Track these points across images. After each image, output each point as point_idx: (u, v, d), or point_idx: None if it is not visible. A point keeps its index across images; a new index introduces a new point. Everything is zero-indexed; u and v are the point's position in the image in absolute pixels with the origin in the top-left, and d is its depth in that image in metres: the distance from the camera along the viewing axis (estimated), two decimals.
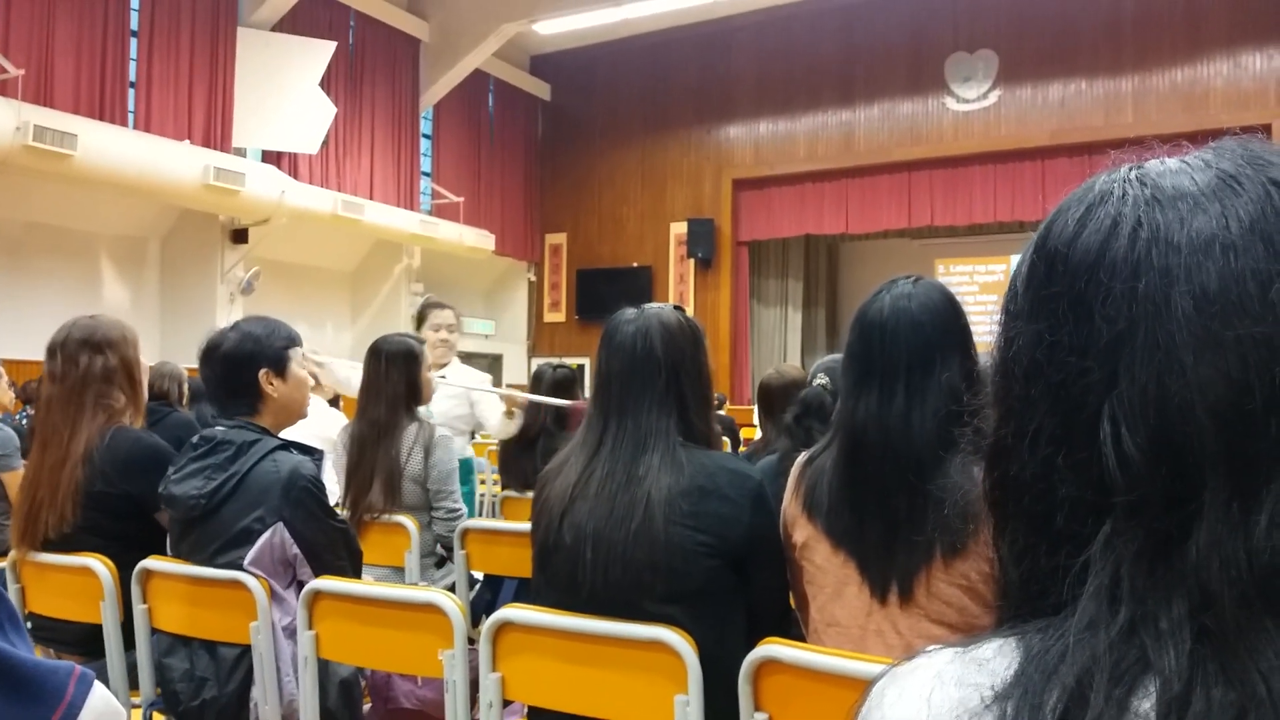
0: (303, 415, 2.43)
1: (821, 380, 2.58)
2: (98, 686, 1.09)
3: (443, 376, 4.01)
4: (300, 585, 2.17)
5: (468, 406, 4.17)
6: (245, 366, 2.26)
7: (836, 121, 13.04)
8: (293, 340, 2.37)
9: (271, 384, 2.29)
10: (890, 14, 12.62)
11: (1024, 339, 0.59)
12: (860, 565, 1.63)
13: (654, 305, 1.91)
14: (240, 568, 2.14)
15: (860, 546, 1.64)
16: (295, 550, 2.16)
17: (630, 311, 1.90)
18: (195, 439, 2.29)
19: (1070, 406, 0.56)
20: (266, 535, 2.14)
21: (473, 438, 4.52)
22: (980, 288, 14.00)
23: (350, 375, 3.81)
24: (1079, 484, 0.55)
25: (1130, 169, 0.60)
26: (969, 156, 12.25)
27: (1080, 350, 0.55)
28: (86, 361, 2.42)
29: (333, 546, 2.23)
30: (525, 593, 3.07)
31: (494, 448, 6.26)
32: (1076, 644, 0.52)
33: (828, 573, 1.68)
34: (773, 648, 1.56)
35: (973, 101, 12.26)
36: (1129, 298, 0.54)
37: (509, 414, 3.87)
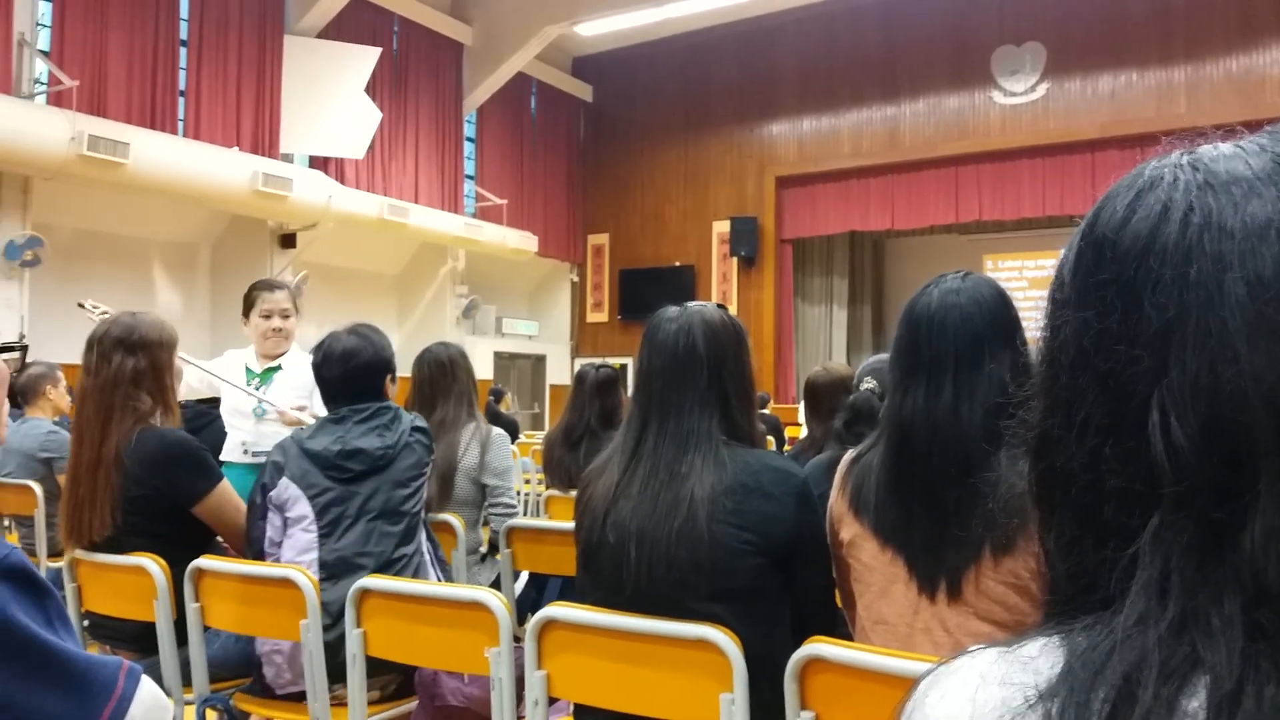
0: None
1: (869, 384, 2.56)
2: (146, 681, 1.11)
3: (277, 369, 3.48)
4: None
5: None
6: (380, 374, 2.61)
7: (881, 117, 12.93)
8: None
9: (389, 385, 2.65)
10: (934, 7, 12.50)
11: (1071, 327, 0.58)
12: (908, 562, 1.61)
13: (696, 303, 1.90)
14: (415, 495, 2.53)
15: (908, 543, 1.61)
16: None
17: (672, 310, 1.89)
18: (345, 409, 2.53)
19: (1119, 395, 0.54)
20: (426, 478, 2.61)
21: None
22: (1029, 283, 13.80)
23: (204, 380, 3.52)
24: (1127, 475, 0.53)
25: (1182, 154, 0.58)
26: (1017, 150, 12.09)
27: (1129, 338, 0.54)
28: (119, 361, 2.45)
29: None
30: (570, 591, 3.08)
31: (538, 447, 6.29)
32: (1124, 640, 0.50)
33: (875, 570, 1.67)
34: (819, 646, 1.54)
35: (1020, 95, 12.09)
36: (1180, 284, 0.53)
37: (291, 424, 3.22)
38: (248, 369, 3.47)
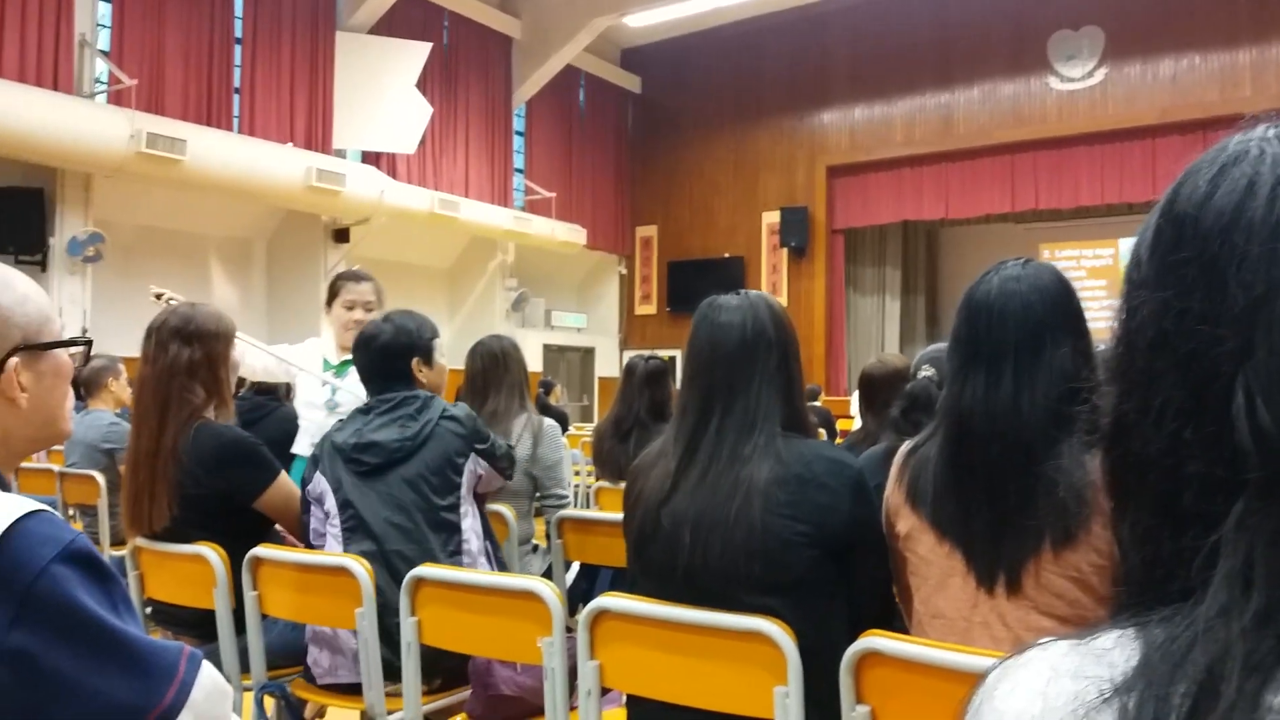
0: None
1: (927, 372, 2.51)
2: (207, 666, 1.12)
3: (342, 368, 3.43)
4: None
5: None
6: (401, 356, 2.53)
7: (934, 104, 12.76)
8: (436, 333, 2.66)
9: (421, 370, 2.56)
10: None
11: (1149, 308, 0.56)
12: (966, 555, 1.58)
13: (752, 291, 1.88)
14: (453, 490, 2.45)
15: (966, 535, 1.59)
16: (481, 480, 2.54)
17: (729, 296, 1.86)
18: (373, 400, 2.51)
19: (1200, 378, 0.52)
20: (470, 464, 2.48)
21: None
22: (1088, 272, 13.54)
23: (269, 363, 3.50)
24: (1209, 460, 0.51)
25: (1269, 128, 0.56)
26: (1074, 137, 11.86)
27: (1212, 318, 0.52)
28: (175, 351, 2.46)
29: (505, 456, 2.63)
30: (621, 582, 3.08)
31: (587, 439, 6.31)
32: (1206, 632, 0.48)
33: (932, 564, 1.64)
34: (875, 640, 1.52)
35: (1078, 80, 11.85)
36: (1267, 261, 0.50)
37: None
38: (325, 360, 3.48)
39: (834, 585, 1.72)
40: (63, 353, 1.24)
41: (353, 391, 3.25)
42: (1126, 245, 13.71)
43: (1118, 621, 0.54)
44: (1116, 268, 13.42)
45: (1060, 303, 1.59)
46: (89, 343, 1.34)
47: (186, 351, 2.47)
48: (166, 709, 1.05)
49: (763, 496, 1.66)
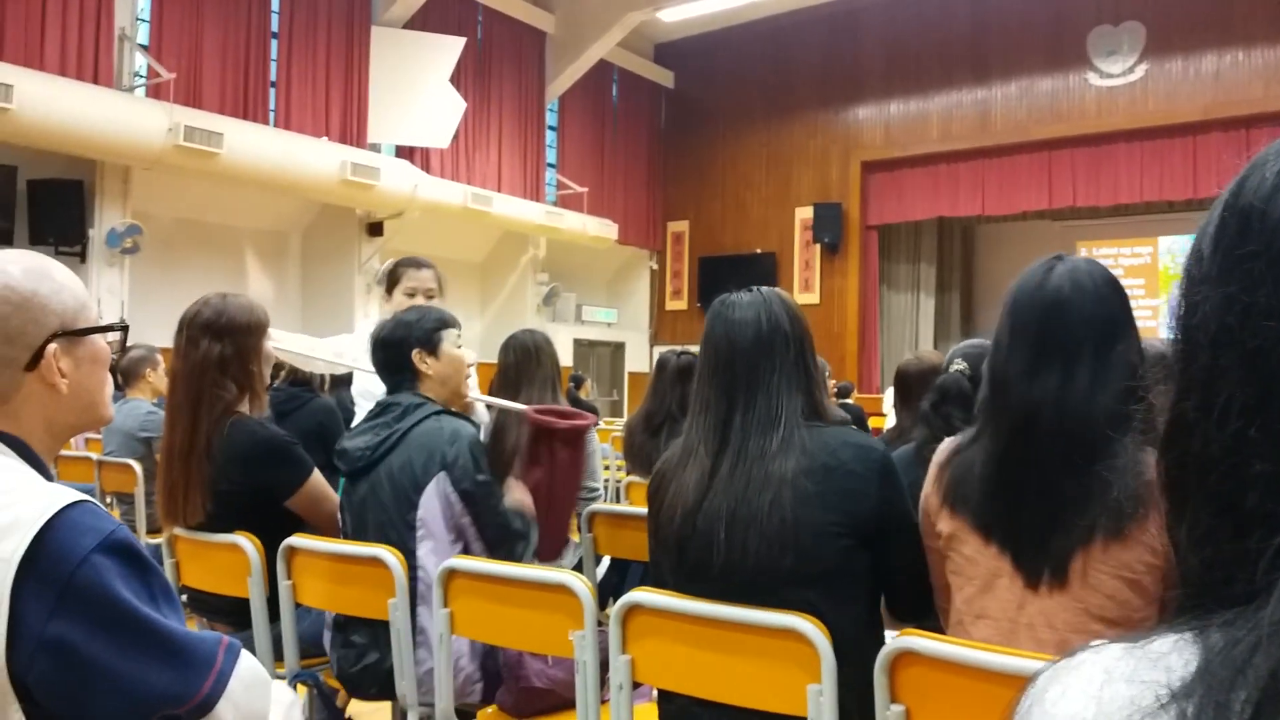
0: (463, 395, 2.63)
1: (959, 366, 2.48)
2: (246, 657, 1.13)
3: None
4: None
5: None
6: (398, 348, 2.47)
7: (971, 100, 12.62)
8: (444, 322, 2.53)
9: (425, 362, 2.47)
10: None
11: (1212, 304, 0.54)
12: (1014, 553, 1.55)
13: (765, 289, 1.89)
14: (412, 510, 2.32)
15: (1014, 535, 1.56)
16: (462, 508, 2.35)
17: (742, 293, 1.87)
18: (374, 406, 2.49)
19: (1267, 374, 0.51)
20: (433, 484, 2.31)
21: None
22: (1125, 271, 13.36)
23: (318, 367, 3.44)
24: (1275, 459, 0.50)
25: None
26: (1114, 134, 11.69)
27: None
28: (205, 347, 2.44)
29: (493, 500, 2.40)
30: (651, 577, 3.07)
31: (618, 434, 6.30)
32: (1270, 637, 0.47)
33: (978, 564, 1.61)
34: (911, 639, 1.50)
35: (1117, 76, 11.68)
36: None
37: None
38: None
39: (868, 575, 1.71)
40: (100, 339, 1.26)
41: None
42: (1166, 243, 13.55)
43: (1175, 625, 0.53)
44: (1155, 266, 13.23)
45: (1124, 298, 1.58)
46: (125, 327, 1.35)
47: (217, 347, 2.45)
48: (204, 699, 1.06)
49: (792, 488, 1.65)
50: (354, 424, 3.44)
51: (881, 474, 1.70)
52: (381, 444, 2.36)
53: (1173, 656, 0.50)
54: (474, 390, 3.14)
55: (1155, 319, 12.88)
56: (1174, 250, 13.13)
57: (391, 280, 3.40)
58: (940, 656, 1.47)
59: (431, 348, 2.49)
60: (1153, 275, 13.20)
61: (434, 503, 2.33)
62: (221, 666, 1.09)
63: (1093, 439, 1.47)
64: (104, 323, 1.26)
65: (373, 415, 2.48)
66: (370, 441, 2.37)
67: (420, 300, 3.31)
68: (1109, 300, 1.55)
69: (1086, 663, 0.54)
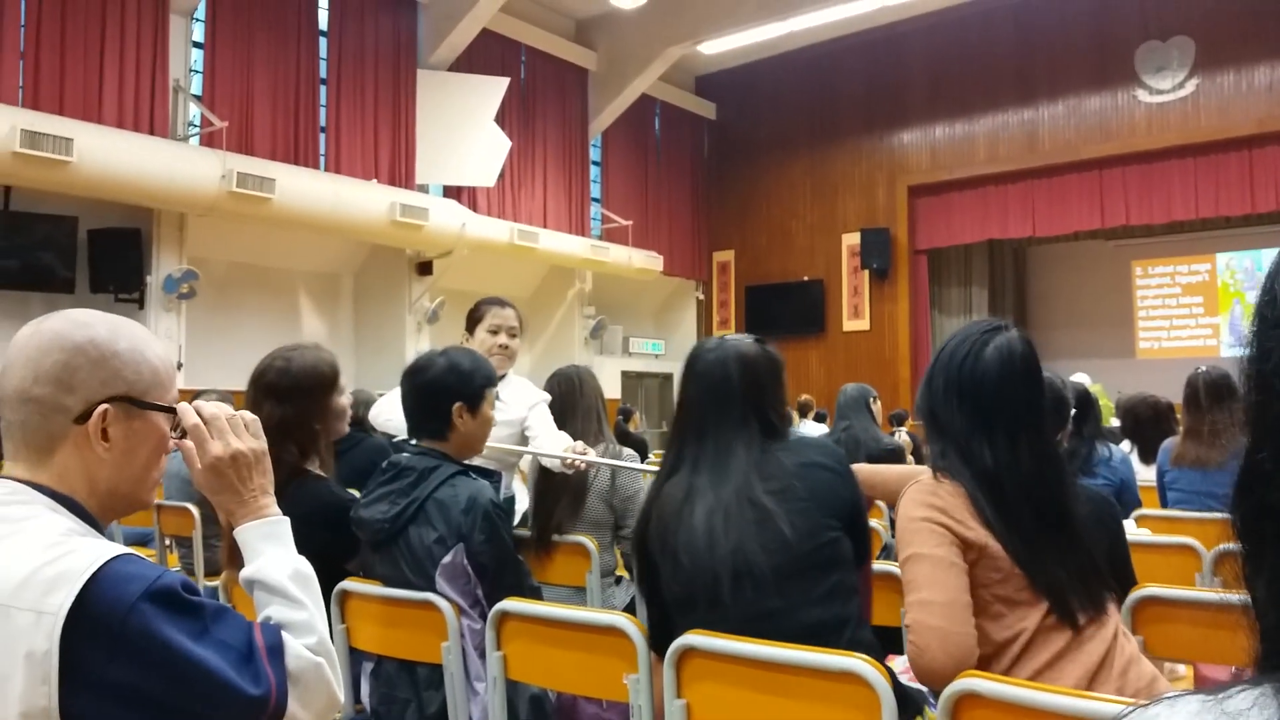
0: (480, 451, 2.51)
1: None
2: (289, 650, 1.19)
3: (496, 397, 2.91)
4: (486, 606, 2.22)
5: (520, 435, 3.29)
6: (444, 397, 2.36)
7: (1018, 120, 12.50)
8: (491, 380, 2.45)
9: (462, 418, 2.37)
10: (1072, 5, 12.04)
11: None
12: (1052, 597, 1.61)
13: (734, 336, 2.02)
14: (432, 586, 2.20)
15: (1053, 582, 1.62)
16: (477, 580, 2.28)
17: (712, 341, 2.02)
18: (384, 465, 2.40)
19: None
20: (450, 555, 2.23)
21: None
22: (1183, 289, 13.08)
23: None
24: None
25: None
26: (1166, 150, 11.50)
27: None
28: (268, 410, 2.33)
29: (508, 568, 2.31)
30: None
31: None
32: None
33: (1018, 603, 1.62)
34: (973, 680, 1.46)
35: (1167, 92, 11.50)
36: None
37: (569, 467, 2.96)
38: None
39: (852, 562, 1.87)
40: (164, 426, 1.26)
41: (512, 400, 3.18)
42: (1225, 259, 13.23)
43: (1256, 680, 0.50)
44: (1213, 283, 12.93)
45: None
46: (179, 426, 1.31)
47: (279, 410, 2.35)
48: (274, 710, 1.13)
49: (781, 504, 1.78)
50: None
51: (847, 466, 1.92)
52: (400, 515, 2.27)
53: (1254, 713, 0.48)
54: (535, 442, 3.13)
55: (1215, 337, 12.58)
56: (1233, 266, 12.83)
57: (474, 319, 3.40)
58: (1000, 698, 1.43)
59: (474, 406, 2.40)
60: (1211, 292, 12.90)
61: (452, 579, 2.25)
62: (275, 680, 1.14)
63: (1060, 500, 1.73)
64: (167, 404, 1.26)
65: (386, 478, 2.36)
66: (388, 512, 2.28)
67: (504, 338, 3.32)
68: (1035, 369, 1.74)
69: (1160, 716, 0.52)
